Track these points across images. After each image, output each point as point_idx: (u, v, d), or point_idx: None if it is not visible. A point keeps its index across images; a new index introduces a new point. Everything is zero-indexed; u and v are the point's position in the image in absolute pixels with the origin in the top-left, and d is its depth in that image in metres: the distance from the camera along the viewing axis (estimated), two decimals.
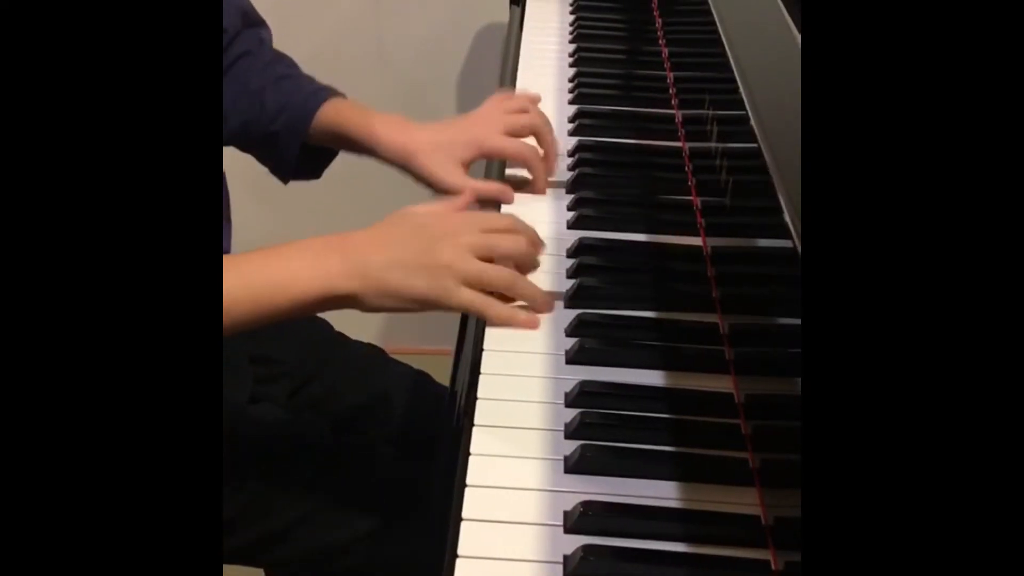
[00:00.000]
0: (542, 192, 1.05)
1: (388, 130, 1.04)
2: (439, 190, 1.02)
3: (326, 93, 1.08)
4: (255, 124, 1.08)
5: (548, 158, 1.06)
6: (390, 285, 0.80)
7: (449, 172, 1.01)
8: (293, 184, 1.16)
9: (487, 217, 0.90)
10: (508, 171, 1.08)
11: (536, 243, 0.91)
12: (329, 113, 1.07)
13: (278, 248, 0.82)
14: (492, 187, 1.02)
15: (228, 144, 1.11)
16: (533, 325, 0.85)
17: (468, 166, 1.03)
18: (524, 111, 1.06)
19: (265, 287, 0.80)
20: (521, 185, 1.05)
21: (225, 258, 0.79)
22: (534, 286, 0.87)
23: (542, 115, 1.08)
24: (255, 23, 1.14)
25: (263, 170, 1.15)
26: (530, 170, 1.05)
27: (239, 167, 1.12)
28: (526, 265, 0.89)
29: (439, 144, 1.02)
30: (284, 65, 1.12)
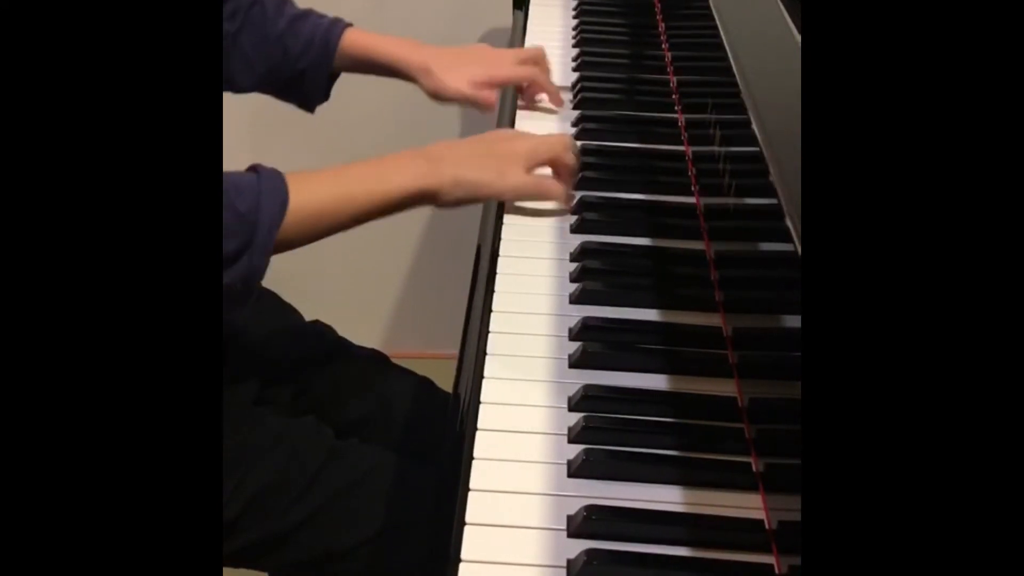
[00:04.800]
0: (560, 103, 1.22)
1: (407, 49, 1.19)
2: (446, 100, 1.18)
3: (340, 25, 1.19)
4: (281, 67, 1.18)
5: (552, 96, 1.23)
6: (464, 176, 0.95)
7: (459, 85, 1.16)
8: None
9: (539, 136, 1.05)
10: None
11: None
12: (351, 43, 1.18)
13: (372, 159, 0.95)
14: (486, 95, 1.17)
15: (255, 91, 1.20)
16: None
17: (477, 89, 1.17)
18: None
19: (369, 188, 0.92)
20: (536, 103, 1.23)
21: (330, 168, 0.93)
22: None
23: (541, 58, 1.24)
24: None
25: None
26: (542, 88, 1.21)
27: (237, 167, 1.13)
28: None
29: (453, 63, 1.17)
30: (291, 6, 1.20)
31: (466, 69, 1.17)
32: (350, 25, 1.19)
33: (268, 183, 0.86)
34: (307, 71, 1.18)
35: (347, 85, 1.25)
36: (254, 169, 0.86)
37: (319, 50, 1.17)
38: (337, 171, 0.93)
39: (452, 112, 1.83)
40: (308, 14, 1.19)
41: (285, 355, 1.15)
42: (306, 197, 0.87)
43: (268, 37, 1.16)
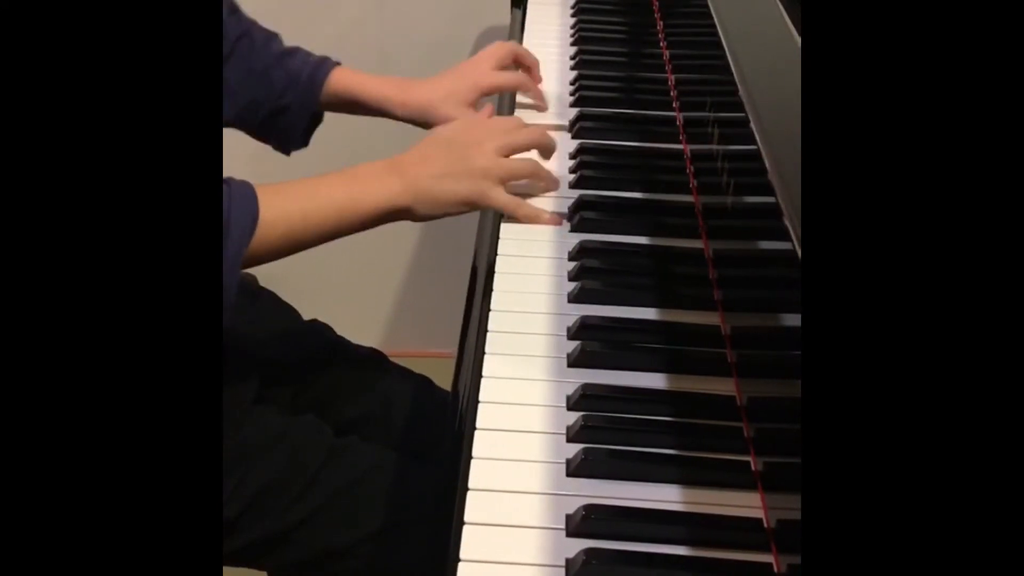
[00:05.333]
0: (545, 108, 1.21)
1: (398, 92, 1.17)
2: None
3: (328, 64, 1.17)
4: (263, 101, 1.16)
5: (533, 75, 1.23)
6: (438, 195, 0.95)
7: (465, 116, 1.14)
8: None
9: (502, 120, 1.06)
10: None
11: (546, 136, 1.04)
12: (337, 83, 1.16)
13: (345, 173, 0.94)
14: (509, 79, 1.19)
15: (231, 125, 1.17)
16: (556, 222, 1.00)
17: (474, 106, 1.17)
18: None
19: (341, 206, 0.92)
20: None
21: (302, 181, 0.92)
22: (550, 173, 1.03)
23: (518, 45, 1.25)
24: (234, 8, 1.20)
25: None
26: (526, 92, 1.21)
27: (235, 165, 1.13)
28: (545, 151, 1.04)
29: (449, 94, 1.16)
30: (279, 42, 1.19)
31: (460, 95, 1.15)
32: (338, 64, 1.18)
33: (238, 196, 0.85)
34: (290, 107, 1.16)
35: None
36: (225, 182, 0.85)
37: (305, 87, 1.15)
38: (307, 186, 0.91)
39: None
40: (296, 51, 1.18)
41: (284, 354, 1.15)
42: (276, 214, 0.87)
43: (253, 71, 1.15)
